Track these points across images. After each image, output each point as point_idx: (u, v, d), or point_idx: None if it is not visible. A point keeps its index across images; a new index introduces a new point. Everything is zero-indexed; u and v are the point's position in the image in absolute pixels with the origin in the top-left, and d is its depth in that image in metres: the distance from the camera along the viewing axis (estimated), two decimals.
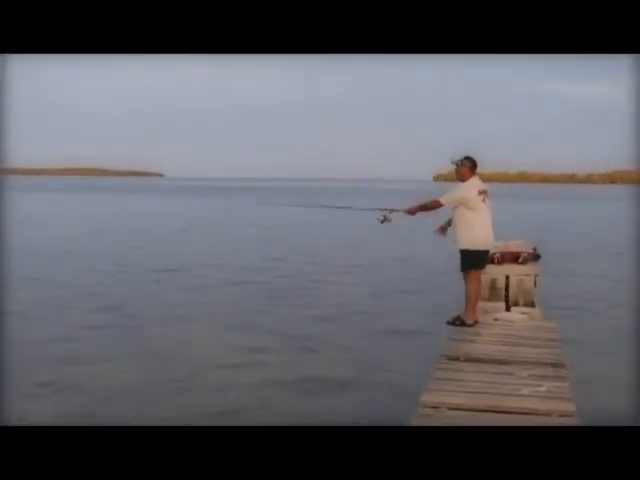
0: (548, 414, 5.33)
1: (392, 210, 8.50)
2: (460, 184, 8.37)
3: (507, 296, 9.83)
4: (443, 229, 8.62)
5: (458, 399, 5.58)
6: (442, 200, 8.30)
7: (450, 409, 5.41)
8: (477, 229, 8.24)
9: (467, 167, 8.37)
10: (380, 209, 8.56)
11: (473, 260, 8.34)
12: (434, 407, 5.44)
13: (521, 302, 9.72)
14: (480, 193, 8.28)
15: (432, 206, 8.40)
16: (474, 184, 8.32)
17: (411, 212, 8.51)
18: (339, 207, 9.15)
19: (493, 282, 9.83)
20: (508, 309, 9.36)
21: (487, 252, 8.59)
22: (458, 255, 8.38)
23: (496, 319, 8.63)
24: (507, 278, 9.90)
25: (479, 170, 8.42)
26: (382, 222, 8.50)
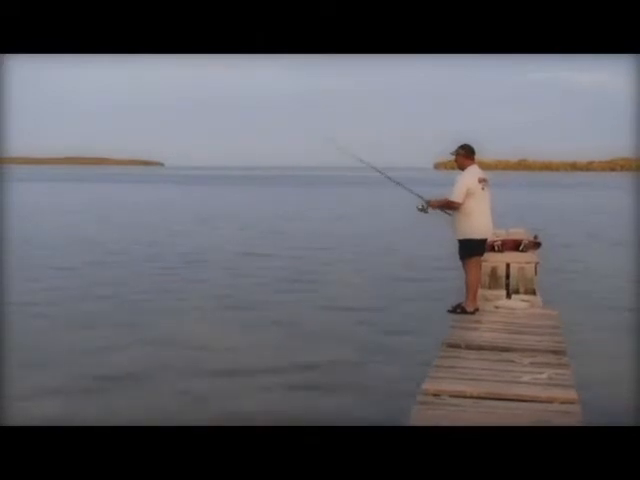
0: (550, 401, 5.36)
1: (429, 201, 8.55)
2: (460, 174, 8.41)
3: (508, 284, 9.86)
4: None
5: (459, 386, 5.61)
6: (455, 199, 8.28)
7: (451, 396, 5.44)
8: (476, 218, 8.27)
9: (462, 155, 8.41)
10: (420, 197, 8.63)
11: (471, 249, 8.38)
12: (435, 395, 5.46)
13: (522, 290, 9.75)
14: (480, 181, 8.32)
15: (451, 206, 8.38)
16: (473, 171, 8.36)
17: (434, 205, 8.54)
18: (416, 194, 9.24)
19: (494, 270, 9.87)
20: (509, 297, 9.39)
21: (485, 240, 8.63)
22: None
23: (497, 307, 8.65)
24: (508, 266, 9.93)
25: (480, 159, 8.44)
26: (420, 210, 8.59)
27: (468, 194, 8.24)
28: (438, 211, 8.63)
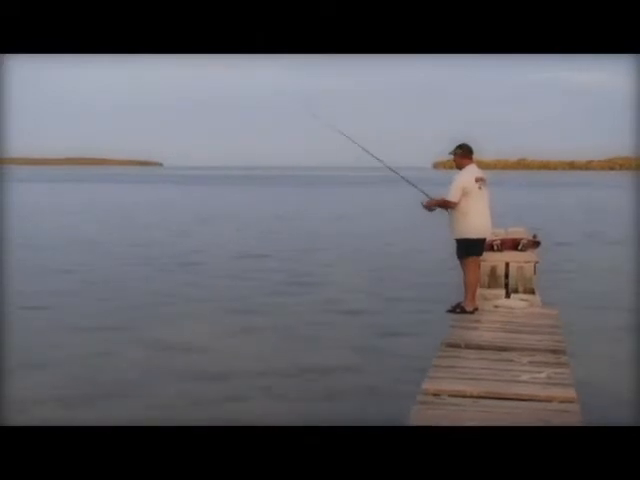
0: (549, 400, 5.36)
1: (431, 199, 8.57)
2: (458, 173, 8.43)
3: (507, 283, 9.86)
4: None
5: (459, 386, 5.61)
6: (450, 198, 8.29)
7: (451, 396, 5.44)
8: (473, 217, 8.26)
9: (460, 154, 8.43)
10: (426, 194, 8.65)
11: (469, 248, 8.38)
12: (435, 394, 5.46)
13: (521, 289, 9.75)
14: (477, 180, 8.32)
15: (447, 206, 8.38)
16: (470, 171, 8.38)
17: (431, 204, 8.55)
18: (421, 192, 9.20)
19: (493, 269, 9.86)
20: (508, 296, 9.39)
21: (484, 240, 8.63)
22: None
23: (496, 306, 8.65)
24: (507, 265, 9.93)
25: (480, 158, 8.45)
26: (424, 207, 8.61)
27: (464, 193, 8.23)
28: (442, 210, 8.61)
